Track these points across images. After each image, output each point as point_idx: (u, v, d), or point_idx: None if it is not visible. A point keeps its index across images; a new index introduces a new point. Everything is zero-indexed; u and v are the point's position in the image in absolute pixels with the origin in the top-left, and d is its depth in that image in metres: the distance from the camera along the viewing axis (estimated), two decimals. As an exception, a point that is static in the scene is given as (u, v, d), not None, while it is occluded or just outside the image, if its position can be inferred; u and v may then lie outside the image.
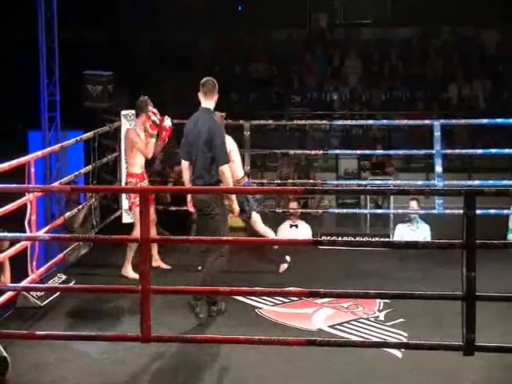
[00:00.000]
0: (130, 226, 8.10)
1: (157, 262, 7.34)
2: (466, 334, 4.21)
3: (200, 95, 6.13)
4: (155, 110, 7.17)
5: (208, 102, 6.10)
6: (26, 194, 6.09)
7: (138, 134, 7.14)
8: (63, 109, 10.41)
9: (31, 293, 6.30)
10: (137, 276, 5.99)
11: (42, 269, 6.57)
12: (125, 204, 8.15)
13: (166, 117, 7.27)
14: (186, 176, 6.17)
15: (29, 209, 6.20)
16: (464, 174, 12.06)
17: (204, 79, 6.18)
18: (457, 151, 9.98)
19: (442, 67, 15.22)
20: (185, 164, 6.16)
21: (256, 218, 7.23)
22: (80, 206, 8.10)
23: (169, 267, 7.36)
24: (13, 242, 5.83)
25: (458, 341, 4.27)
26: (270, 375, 5.09)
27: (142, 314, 4.42)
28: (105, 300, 6.26)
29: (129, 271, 7.04)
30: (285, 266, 7.23)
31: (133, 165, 7.15)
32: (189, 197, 6.33)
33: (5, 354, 3.92)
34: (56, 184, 7.42)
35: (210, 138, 5.99)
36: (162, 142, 7.39)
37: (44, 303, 6.32)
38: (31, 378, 4.99)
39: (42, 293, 6.37)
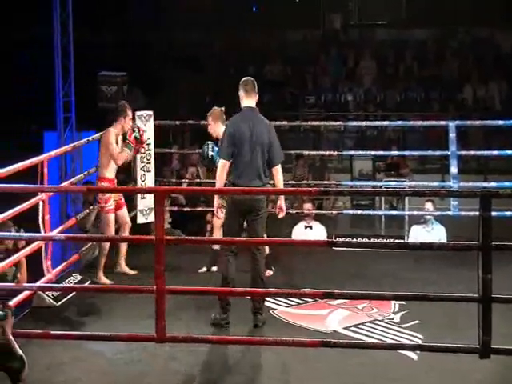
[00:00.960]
0: (145, 226, 8.15)
1: (122, 267, 7.18)
2: (482, 336, 4.19)
3: (242, 94, 6.00)
4: (141, 127, 7.25)
5: (252, 101, 6.00)
6: (39, 193, 6.11)
7: (116, 138, 7.03)
8: (78, 110, 10.45)
9: (47, 292, 6.33)
10: (108, 281, 6.14)
11: (58, 269, 6.60)
12: (139, 204, 8.18)
13: (143, 130, 7.33)
14: (223, 176, 5.93)
15: (41, 208, 6.22)
16: (479, 176, 11.99)
17: (244, 78, 6.07)
18: (472, 152, 9.93)
19: (458, 68, 15.15)
20: (226, 164, 5.92)
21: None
22: (91, 207, 8.13)
23: (134, 272, 7.19)
24: (28, 242, 5.85)
25: (473, 343, 4.24)
26: (284, 376, 5.08)
27: (157, 314, 4.43)
28: (120, 300, 6.27)
29: (101, 277, 6.92)
30: (270, 272, 7.14)
31: (105, 167, 6.99)
32: (218, 200, 6.09)
33: (21, 352, 3.94)
34: (67, 184, 7.45)
35: (271, 138, 5.95)
36: (136, 153, 7.49)
37: (59, 303, 6.35)
38: (46, 378, 5.00)
39: (58, 293, 6.40)
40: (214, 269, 7.34)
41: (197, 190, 7.27)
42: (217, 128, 6.94)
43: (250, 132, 5.87)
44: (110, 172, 7.02)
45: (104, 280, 6.84)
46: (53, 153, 6.90)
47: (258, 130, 5.89)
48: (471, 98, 14.69)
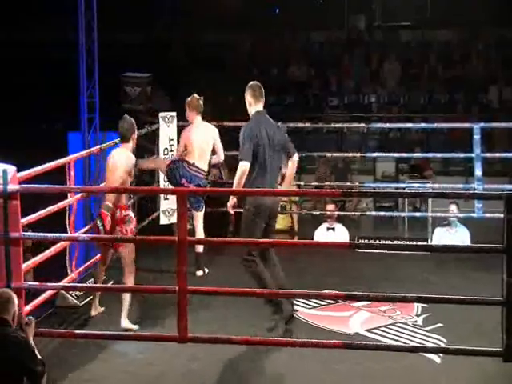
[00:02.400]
0: (168, 228, 8.18)
1: (96, 310, 6.33)
2: (506, 339, 4.16)
3: (251, 100, 6.03)
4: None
5: (261, 105, 6.05)
6: (68, 195, 6.15)
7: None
8: (102, 110, 10.51)
9: (70, 292, 6.37)
10: (132, 326, 5.95)
11: (81, 269, 6.64)
12: (162, 205, 8.21)
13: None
14: (243, 178, 5.85)
15: (70, 210, 6.26)
16: (504, 178, 11.90)
17: (252, 83, 6.08)
18: (497, 155, 9.85)
19: (483, 69, 15.05)
20: (247, 166, 5.85)
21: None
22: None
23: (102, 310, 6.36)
24: (53, 242, 5.89)
25: (497, 347, 4.22)
26: (306, 378, 5.08)
27: (179, 314, 4.45)
28: (142, 300, 6.30)
29: (126, 322, 5.98)
30: (200, 273, 7.19)
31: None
32: (233, 199, 6.06)
33: (41, 357, 3.99)
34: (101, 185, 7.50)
35: (284, 136, 6.14)
36: None
37: (82, 303, 6.39)
38: (70, 377, 5.05)
39: (81, 292, 6.44)
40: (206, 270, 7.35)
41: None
42: (192, 116, 7.38)
43: (267, 136, 5.89)
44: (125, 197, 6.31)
45: (129, 325, 5.95)
46: (79, 154, 6.94)
47: (273, 133, 5.94)
48: (496, 99, 14.58)
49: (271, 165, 5.90)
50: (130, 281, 5.94)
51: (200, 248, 7.29)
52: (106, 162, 6.27)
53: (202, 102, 7.47)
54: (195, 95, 7.45)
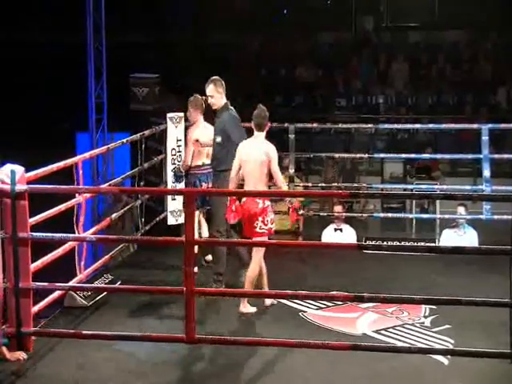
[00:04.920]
0: (175, 228, 8.19)
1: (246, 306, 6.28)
2: (514, 341, 4.15)
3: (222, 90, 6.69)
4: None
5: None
6: (76, 195, 6.16)
7: None
8: (110, 111, 10.53)
9: (78, 292, 6.38)
10: (251, 310, 6.05)
11: (89, 269, 6.65)
12: (170, 206, 8.22)
13: None
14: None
15: (78, 210, 6.27)
16: (513, 180, 11.87)
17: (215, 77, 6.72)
18: (505, 156, 9.83)
19: (491, 71, 15.01)
20: None
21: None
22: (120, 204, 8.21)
23: None
24: (61, 243, 5.90)
25: (505, 348, 4.21)
26: (314, 379, 5.07)
27: (186, 315, 4.45)
28: (150, 301, 6.30)
29: (247, 306, 6.22)
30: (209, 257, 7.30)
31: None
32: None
33: None
34: (105, 185, 7.51)
35: None
36: None
37: (91, 303, 6.40)
38: (77, 377, 5.05)
39: (89, 293, 6.45)
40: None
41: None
42: (196, 116, 7.42)
43: None
44: None
45: (249, 309, 6.21)
46: (87, 154, 6.95)
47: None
48: (505, 100, 14.54)
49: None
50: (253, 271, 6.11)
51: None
52: (246, 154, 6.27)
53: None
54: (197, 95, 7.48)
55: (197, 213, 7.32)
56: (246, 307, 6.18)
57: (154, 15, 15.61)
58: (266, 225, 6.16)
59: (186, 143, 7.68)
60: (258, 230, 6.15)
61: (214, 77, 6.87)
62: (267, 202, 6.17)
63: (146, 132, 8.17)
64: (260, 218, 6.14)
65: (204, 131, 7.37)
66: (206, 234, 7.54)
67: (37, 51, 14.59)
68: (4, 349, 5.05)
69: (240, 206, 6.19)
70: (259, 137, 6.29)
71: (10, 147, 8.75)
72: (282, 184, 6.28)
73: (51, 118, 13.31)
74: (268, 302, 6.35)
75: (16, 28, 15.29)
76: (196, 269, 7.31)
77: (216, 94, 6.77)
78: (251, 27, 15.48)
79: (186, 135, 7.81)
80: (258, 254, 6.16)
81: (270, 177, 6.24)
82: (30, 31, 15.33)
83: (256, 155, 6.19)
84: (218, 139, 6.67)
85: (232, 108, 6.81)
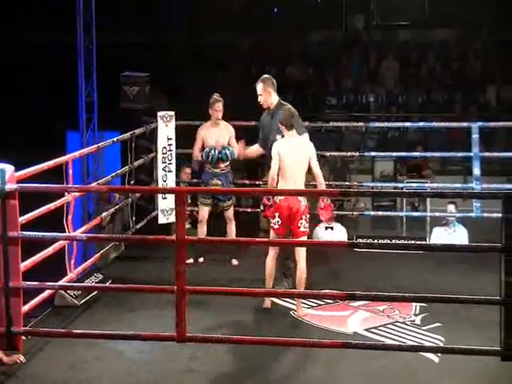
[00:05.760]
0: (166, 227, 8.19)
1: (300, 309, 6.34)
2: (504, 338, 4.15)
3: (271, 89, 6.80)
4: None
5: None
6: (65, 194, 6.14)
7: None
8: (100, 110, 10.51)
9: (69, 292, 6.37)
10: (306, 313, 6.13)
11: (80, 268, 6.63)
12: (161, 205, 8.21)
13: None
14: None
15: (67, 209, 6.26)
16: (502, 178, 11.89)
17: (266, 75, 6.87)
18: (495, 154, 9.85)
19: (481, 69, 15.05)
20: None
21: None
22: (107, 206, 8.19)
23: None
24: (52, 241, 5.88)
25: (495, 346, 4.22)
26: (304, 378, 5.08)
27: (177, 313, 4.44)
28: (141, 299, 6.30)
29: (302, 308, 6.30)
30: (236, 262, 7.45)
31: None
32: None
33: None
34: (94, 184, 7.50)
35: None
36: None
37: (81, 302, 6.39)
38: (68, 377, 5.05)
39: (80, 292, 6.44)
40: (201, 260, 7.63)
41: (217, 190, 7.29)
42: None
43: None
44: None
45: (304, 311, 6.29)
46: (77, 153, 6.92)
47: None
48: (494, 99, 14.58)
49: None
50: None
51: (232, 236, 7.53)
52: (284, 152, 6.26)
53: None
54: (216, 95, 7.59)
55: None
56: (302, 309, 6.24)
57: (148, 15, 15.58)
58: (307, 223, 6.25)
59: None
60: (302, 228, 6.21)
61: (264, 75, 6.96)
62: (306, 201, 6.25)
63: (137, 131, 8.16)
64: (304, 217, 6.19)
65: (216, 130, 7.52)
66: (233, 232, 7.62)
67: (33, 51, 14.55)
68: (0, 352, 5.04)
69: (277, 204, 6.21)
70: (293, 135, 6.31)
71: (0, 146, 8.73)
72: (322, 178, 6.37)
73: (42, 118, 13.26)
74: (268, 303, 6.35)
75: (10, 28, 15.23)
76: (202, 259, 7.58)
77: (264, 92, 6.79)
78: (244, 27, 15.46)
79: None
80: (303, 253, 6.22)
81: None
82: (15, 31, 15.27)
83: (296, 153, 6.24)
84: (278, 137, 6.59)
85: (287, 104, 6.79)
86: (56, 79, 13.27)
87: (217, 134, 7.57)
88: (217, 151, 7.42)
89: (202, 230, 7.61)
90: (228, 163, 7.61)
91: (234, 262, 7.50)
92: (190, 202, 8.63)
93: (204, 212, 7.62)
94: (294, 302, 6.32)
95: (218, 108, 7.51)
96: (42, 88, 13.84)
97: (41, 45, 14.68)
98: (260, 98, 6.82)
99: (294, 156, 6.23)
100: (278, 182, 6.26)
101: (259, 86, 6.80)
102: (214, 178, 7.53)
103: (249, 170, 11.28)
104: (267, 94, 6.79)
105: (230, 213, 7.61)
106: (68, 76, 10.85)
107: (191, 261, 7.44)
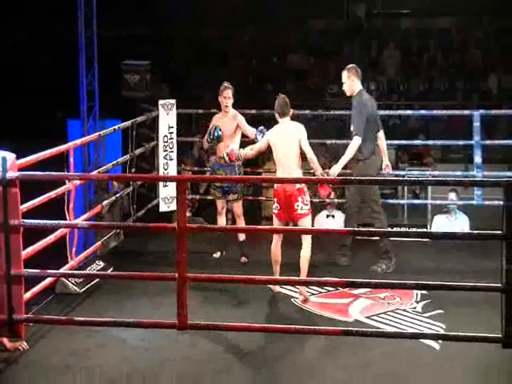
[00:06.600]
0: (166, 215, 8.19)
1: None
2: (505, 326, 4.16)
3: (355, 77, 7.04)
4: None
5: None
6: (67, 182, 6.14)
7: None
8: (102, 98, 10.50)
9: (70, 279, 6.38)
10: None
11: (81, 256, 6.64)
12: (162, 193, 8.21)
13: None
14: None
15: (68, 197, 6.26)
16: (504, 166, 11.89)
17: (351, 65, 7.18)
18: (496, 142, 9.84)
19: (482, 57, 15.01)
20: (360, 141, 6.89)
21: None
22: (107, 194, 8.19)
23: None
24: (53, 229, 5.88)
25: (496, 333, 4.22)
26: (306, 365, 5.09)
27: (178, 301, 4.44)
28: (142, 287, 6.30)
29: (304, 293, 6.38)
30: (244, 259, 7.28)
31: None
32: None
33: None
34: (94, 173, 7.49)
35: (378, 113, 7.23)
36: None
37: (82, 290, 6.40)
38: (69, 364, 5.05)
39: (81, 279, 6.45)
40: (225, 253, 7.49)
41: (218, 178, 7.29)
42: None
43: (372, 110, 7.00)
44: None
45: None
46: (78, 141, 6.91)
47: (374, 106, 7.08)
48: (496, 87, 14.56)
49: (375, 137, 7.07)
50: None
51: (242, 236, 7.35)
52: (275, 138, 6.41)
53: None
54: (226, 83, 7.42)
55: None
56: (304, 294, 6.27)
57: (147, 7, 15.54)
58: (306, 204, 6.26)
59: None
60: (299, 211, 6.22)
61: (350, 64, 7.19)
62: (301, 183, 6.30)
63: (138, 119, 8.15)
64: (300, 199, 6.22)
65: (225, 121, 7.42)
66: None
67: (34, 39, 14.54)
68: (4, 338, 5.06)
69: (275, 190, 6.30)
70: (285, 121, 6.41)
71: (1, 134, 8.72)
72: (316, 162, 6.42)
73: (43, 106, 13.24)
74: (277, 288, 6.39)
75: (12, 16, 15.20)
76: (219, 254, 7.45)
77: (347, 80, 7.04)
78: (245, 17, 15.43)
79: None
80: (308, 237, 6.28)
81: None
82: (28, 19, 15.23)
83: (286, 137, 6.33)
84: (352, 127, 6.91)
85: (365, 93, 7.14)
86: (57, 67, 13.26)
87: (224, 122, 7.37)
88: (219, 129, 7.26)
89: (220, 223, 7.45)
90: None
91: (243, 259, 7.34)
92: (202, 192, 8.63)
93: (220, 204, 7.42)
94: (296, 290, 6.34)
95: (226, 95, 7.32)
96: (42, 76, 13.82)
97: (42, 33, 14.66)
98: (344, 86, 7.12)
99: (284, 142, 6.32)
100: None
101: (344, 74, 7.09)
102: (220, 168, 7.36)
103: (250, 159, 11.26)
104: (351, 82, 7.04)
105: (237, 208, 7.36)
106: (69, 64, 10.84)
107: (218, 254, 7.43)
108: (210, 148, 7.66)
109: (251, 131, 7.22)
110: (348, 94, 7.12)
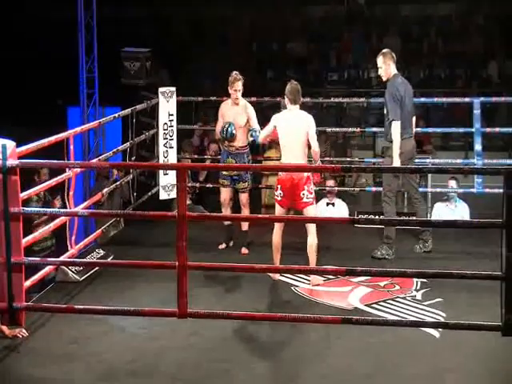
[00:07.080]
0: (166, 203, 8.19)
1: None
2: (505, 314, 4.17)
3: (390, 61, 7.09)
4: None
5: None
6: (67, 169, 6.13)
7: None
8: (101, 86, 10.48)
9: (70, 267, 6.39)
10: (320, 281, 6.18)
11: (81, 244, 6.64)
12: (162, 181, 8.21)
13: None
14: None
15: (68, 185, 6.25)
16: (504, 153, 11.88)
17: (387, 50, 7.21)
18: (497, 129, 9.81)
19: (483, 44, 14.97)
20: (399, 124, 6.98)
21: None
22: (106, 181, 8.19)
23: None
24: (53, 217, 5.89)
25: (496, 321, 4.23)
26: (305, 353, 5.10)
27: (178, 289, 4.45)
28: (142, 275, 6.31)
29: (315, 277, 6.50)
30: (246, 251, 7.28)
31: None
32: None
33: None
34: (95, 160, 7.49)
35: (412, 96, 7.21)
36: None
37: (82, 278, 6.41)
38: (70, 352, 5.07)
39: (81, 268, 6.46)
40: (231, 244, 7.45)
41: (219, 166, 7.28)
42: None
43: (405, 94, 7.07)
44: None
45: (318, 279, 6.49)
46: (78, 129, 6.90)
47: (408, 90, 7.16)
48: (496, 74, 14.52)
49: (410, 119, 7.16)
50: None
51: (245, 226, 7.35)
52: (283, 125, 6.39)
53: None
54: (235, 73, 7.20)
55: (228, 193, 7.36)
56: (315, 278, 6.34)
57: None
58: (311, 193, 6.28)
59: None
60: (305, 199, 6.25)
61: (384, 49, 7.26)
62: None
63: (138, 106, 8.13)
64: (306, 187, 6.24)
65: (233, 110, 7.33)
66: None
67: (33, 26, 14.47)
68: (3, 326, 5.06)
69: (280, 177, 6.30)
70: (294, 109, 6.38)
71: (1, 122, 8.70)
72: (318, 154, 6.46)
73: (43, 93, 13.21)
74: (276, 275, 6.43)
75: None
76: (244, 249, 7.32)
77: (383, 65, 7.12)
78: (245, 2, 15.34)
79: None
80: (313, 226, 6.31)
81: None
82: (28, 6, 15.17)
83: (295, 126, 6.30)
84: (385, 111, 7.09)
85: (399, 77, 7.21)
86: (56, 54, 13.22)
87: (234, 113, 7.24)
88: (232, 126, 7.16)
89: (225, 213, 7.35)
90: (246, 144, 7.30)
91: (244, 250, 7.29)
92: (202, 180, 8.56)
93: (224, 194, 7.34)
94: (295, 278, 6.35)
95: (236, 87, 7.14)
96: (42, 63, 13.78)
97: (42, 18, 14.60)
98: (380, 71, 7.19)
99: (292, 131, 6.29)
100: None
101: (379, 59, 7.14)
102: (229, 156, 7.26)
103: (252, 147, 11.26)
104: (387, 66, 7.10)
105: (244, 198, 7.27)
106: (69, 51, 10.81)
107: (224, 246, 7.41)
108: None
109: (257, 126, 7.21)
110: (384, 78, 7.19)
